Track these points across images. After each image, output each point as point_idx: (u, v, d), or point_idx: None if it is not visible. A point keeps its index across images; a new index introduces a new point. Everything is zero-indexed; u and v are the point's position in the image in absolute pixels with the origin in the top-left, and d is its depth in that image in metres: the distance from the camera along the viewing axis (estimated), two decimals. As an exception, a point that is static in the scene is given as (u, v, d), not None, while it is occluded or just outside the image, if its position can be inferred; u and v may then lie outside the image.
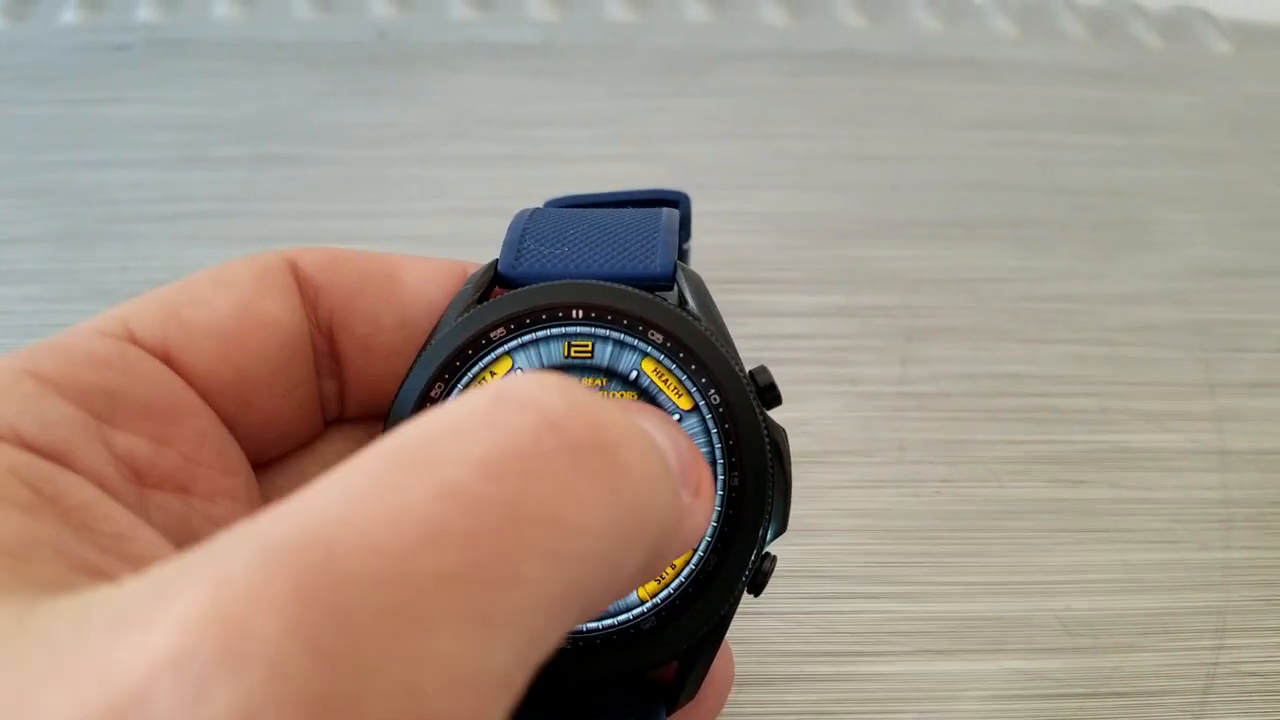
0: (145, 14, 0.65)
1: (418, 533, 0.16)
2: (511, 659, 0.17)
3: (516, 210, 0.35)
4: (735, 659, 0.35)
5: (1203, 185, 0.60)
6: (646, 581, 0.25)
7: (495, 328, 0.31)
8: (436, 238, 0.54)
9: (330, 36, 0.65)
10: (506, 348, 0.31)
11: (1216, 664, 0.42)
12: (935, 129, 0.62)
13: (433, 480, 0.17)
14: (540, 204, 0.41)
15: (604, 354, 0.31)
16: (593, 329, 0.31)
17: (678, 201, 0.45)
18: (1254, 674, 0.41)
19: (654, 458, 0.21)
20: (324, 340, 0.31)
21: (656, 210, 0.35)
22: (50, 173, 0.56)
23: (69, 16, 0.65)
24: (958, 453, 0.47)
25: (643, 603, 0.30)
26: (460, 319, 0.31)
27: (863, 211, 0.57)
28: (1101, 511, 0.46)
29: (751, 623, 0.41)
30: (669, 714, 0.31)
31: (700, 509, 0.24)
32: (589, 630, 0.30)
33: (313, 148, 0.58)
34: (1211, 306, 0.54)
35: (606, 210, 0.36)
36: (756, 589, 0.31)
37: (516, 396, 0.19)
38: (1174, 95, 0.66)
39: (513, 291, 0.31)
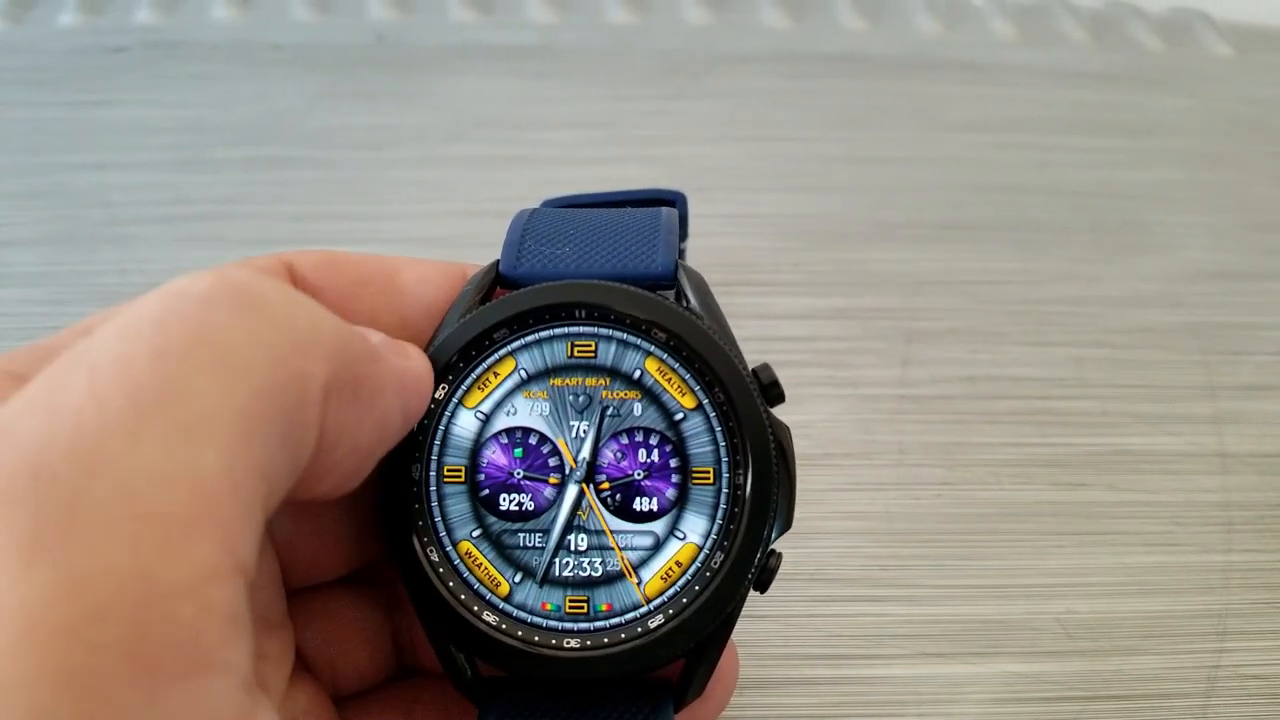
0: (143, 16, 0.65)
1: (83, 391, 0.20)
2: (220, 459, 0.20)
3: (515, 212, 0.35)
4: (734, 662, 0.35)
5: (1202, 188, 0.60)
6: (385, 409, 0.26)
7: (498, 328, 0.31)
8: (435, 239, 0.54)
9: (328, 39, 0.64)
10: (510, 348, 0.32)
11: (1218, 667, 0.42)
12: (934, 131, 0.62)
13: (85, 357, 0.21)
14: (538, 205, 0.41)
15: (607, 353, 0.32)
16: (596, 328, 0.32)
17: (674, 201, 0.45)
18: (1256, 676, 0.41)
19: (297, 300, 0.24)
20: None
21: (656, 210, 0.35)
22: (48, 175, 0.56)
23: (67, 19, 0.65)
24: (958, 455, 0.47)
25: (649, 601, 0.30)
26: (463, 320, 0.31)
27: (862, 214, 0.57)
28: (1101, 514, 0.46)
29: (751, 625, 0.41)
30: (676, 712, 0.31)
31: (411, 356, 0.29)
32: (597, 629, 0.30)
33: (310, 150, 0.58)
34: (1211, 309, 0.54)
35: (606, 210, 0.36)
36: (762, 586, 0.31)
37: (162, 290, 0.22)
38: (1173, 98, 0.65)
39: (515, 292, 0.32)
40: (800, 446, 0.33)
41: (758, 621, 0.42)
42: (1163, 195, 0.59)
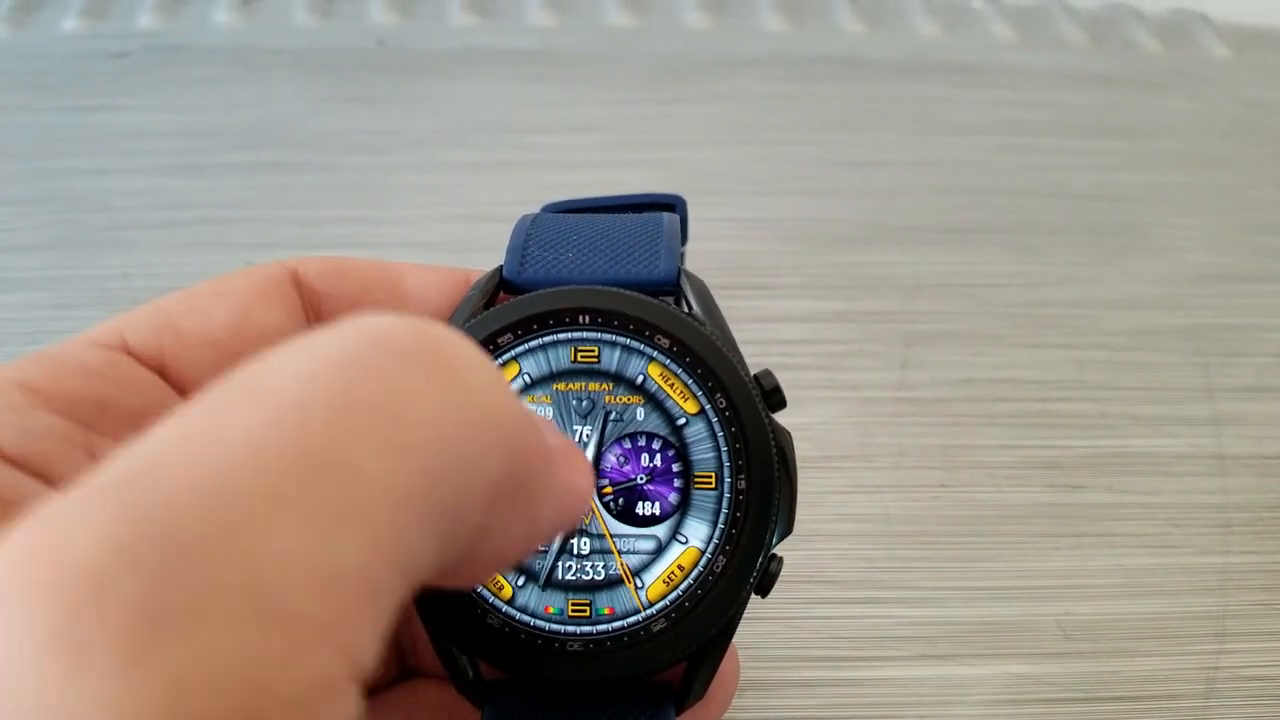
0: (145, 21, 0.65)
1: (241, 439, 0.16)
2: (366, 554, 0.17)
3: (516, 216, 0.35)
4: (734, 664, 0.35)
5: (1201, 190, 0.60)
6: (537, 518, 0.23)
7: (502, 334, 0.31)
8: (436, 244, 0.54)
9: (329, 44, 0.65)
10: (513, 353, 0.32)
11: (1217, 668, 0.42)
12: (933, 134, 0.62)
13: (257, 395, 0.17)
14: (539, 210, 0.41)
15: (610, 359, 0.32)
16: (599, 334, 0.32)
17: (674, 205, 0.45)
18: (1254, 678, 0.42)
19: (492, 372, 0.20)
20: None
21: (658, 215, 0.35)
22: (51, 180, 0.57)
23: (69, 24, 0.65)
24: (956, 458, 0.47)
25: (651, 605, 0.31)
26: (466, 325, 0.31)
27: (861, 217, 0.57)
28: (1100, 516, 0.46)
29: (750, 628, 0.41)
30: (678, 715, 0.31)
31: (580, 470, 0.24)
32: (599, 632, 0.30)
33: (311, 154, 0.58)
34: (1210, 311, 0.54)
35: (607, 215, 0.36)
36: (764, 590, 0.31)
37: (347, 323, 0.19)
38: (1172, 100, 0.66)
39: (519, 298, 0.32)
40: (800, 449, 0.33)
41: (757, 623, 0.42)
42: (1162, 197, 0.59)
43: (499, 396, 0.20)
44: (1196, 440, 0.49)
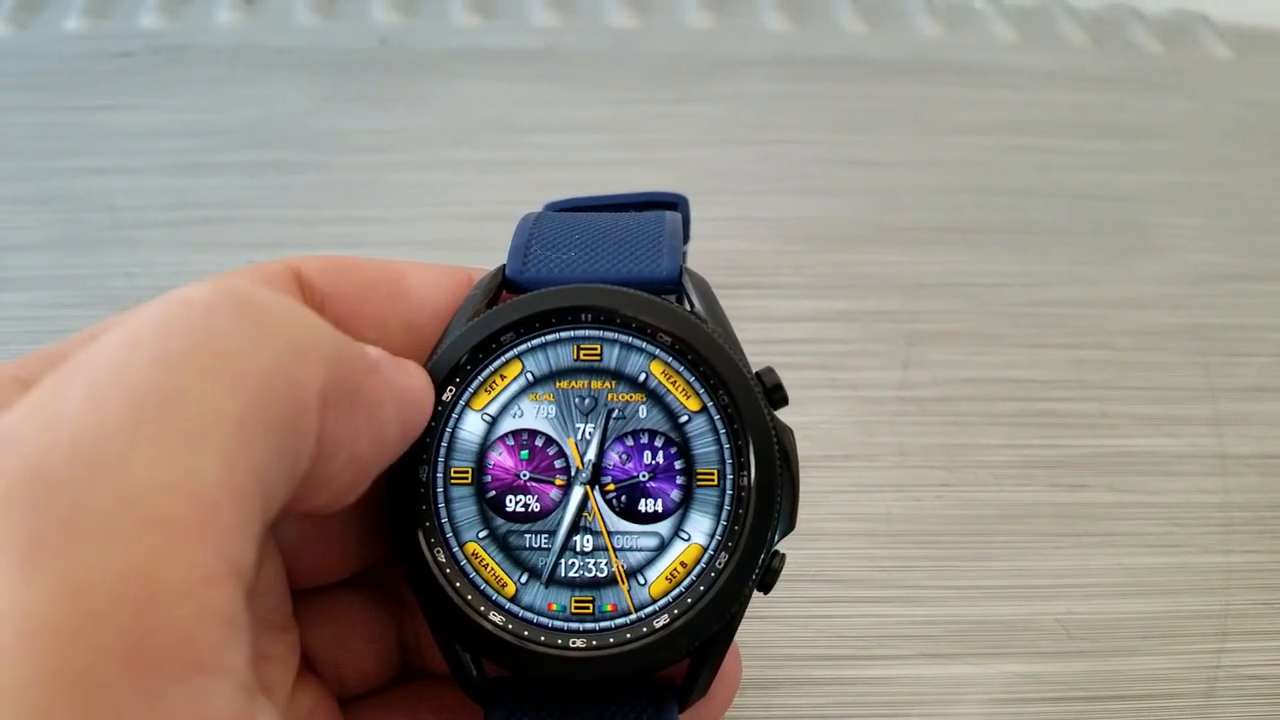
0: (148, 21, 0.65)
1: (82, 398, 0.20)
2: (219, 466, 0.20)
3: (519, 216, 0.35)
4: (736, 663, 0.35)
5: (1202, 190, 0.60)
6: (381, 422, 0.26)
7: (505, 331, 0.32)
8: (439, 243, 0.54)
9: (332, 43, 0.65)
10: (516, 350, 0.32)
11: (1218, 667, 0.42)
12: (935, 134, 0.62)
13: (88, 365, 0.21)
14: (541, 209, 0.41)
15: (612, 356, 0.32)
16: (601, 332, 0.32)
17: (676, 204, 0.45)
18: (1256, 677, 0.42)
19: (294, 305, 0.24)
20: None
21: (660, 214, 0.36)
22: (53, 179, 0.57)
23: (72, 24, 0.65)
24: (958, 457, 0.47)
25: (654, 601, 0.31)
26: (470, 323, 0.31)
27: (863, 217, 0.57)
28: (1102, 515, 0.46)
29: (753, 626, 0.41)
30: (681, 712, 0.31)
31: (413, 374, 0.29)
32: (603, 629, 0.30)
33: (314, 154, 0.58)
34: (1211, 311, 0.54)
35: (610, 214, 0.36)
36: (766, 587, 0.31)
37: (159, 297, 0.23)
38: (1174, 100, 0.66)
39: (522, 296, 0.32)
40: (802, 448, 0.33)
41: (759, 622, 0.42)
42: (1163, 197, 0.60)
43: (303, 323, 0.24)
44: (1198, 440, 0.49)
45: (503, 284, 0.33)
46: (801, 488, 0.32)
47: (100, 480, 0.19)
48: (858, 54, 0.67)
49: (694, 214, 0.47)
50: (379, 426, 0.26)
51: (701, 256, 0.51)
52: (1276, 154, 0.63)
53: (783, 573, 0.32)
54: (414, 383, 0.29)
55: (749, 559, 0.31)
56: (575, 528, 0.32)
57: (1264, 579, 0.44)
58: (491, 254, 0.34)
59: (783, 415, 0.33)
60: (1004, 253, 0.56)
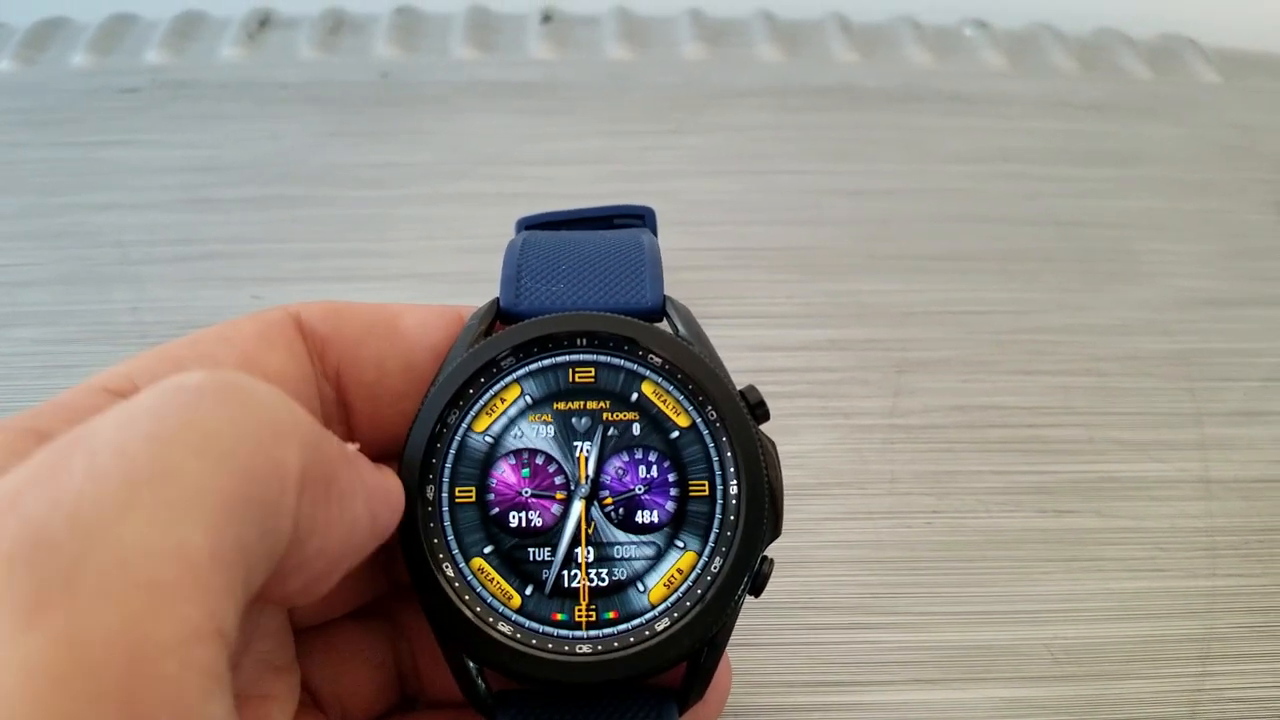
0: (153, 57, 0.67)
1: (83, 469, 0.21)
2: (205, 535, 0.22)
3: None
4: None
5: (1190, 216, 0.61)
6: (354, 515, 0.27)
7: (505, 356, 0.33)
8: (441, 275, 0.55)
9: (334, 77, 0.66)
10: (515, 375, 0.34)
11: (1201, 690, 0.43)
12: (926, 163, 0.63)
13: (87, 439, 0.22)
14: (516, 232, 0.43)
15: (606, 378, 0.34)
16: (595, 355, 0.34)
17: (644, 216, 0.47)
18: (1239, 699, 0.42)
19: (277, 394, 0.25)
20: (332, 389, 0.33)
21: (638, 240, 0.37)
22: (60, 215, 0.58)
23: (79, 59, 0.67)
24: (947, 484, 0.48)
25: (654, 607, 0.33)
26: (470, 351, 0.33)
27: (855, 245, 0.58)
28: (1088, 540, 0.47)
29: (744, 653, 0.42)
30: (681, 713, 0.33)
31: (388, 475, 0.30)
32: (606, 635, 0.32)
33: (318, 188, 0.60)
34: (1198, 336, 0.55)
35: (590, 235, 0.38)
36: (757, 590, 0.33)
37: (155, 385, 0.24)
38: (1162, 126, 0.67)
39: (520, 324, 0.34)
40: (793, 476, 0.34)
41: (751, 649, 0.43)
42: (1151, 223, 0.61)
43: (286, 410, 0.25)
44: (1184, 464, 0.50)
45: (497, 315, 0.35)
46: (793, 515, 0.34)
47: (97, 544, 0.21)
48: (849, 83, 0.68)
49: (688, 244, 0.49)
50: (351, 517, 0.27)
51: (695, 286, 0.53)
52: (1264, 178, 0.64)
53: (773, 599, 0.33)
54: (388, 482, 0.30)
55: (741, 564, 0.32)
56: (576, 540, 0.33)
57: (1247, 603, 0.45)
58: (493, 286, 0.36)
59: (775, 439, 0.34)
60: (993, 280, 0.57)
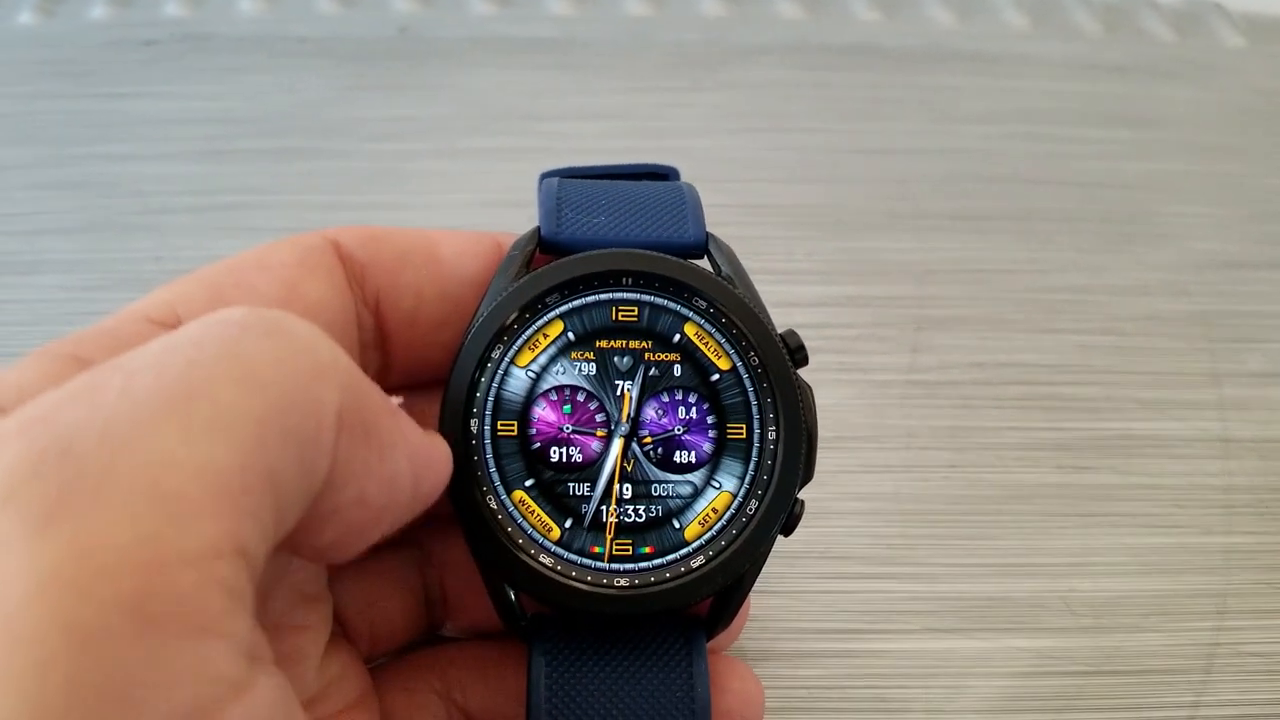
0: (172, 10, 0.67)
1: (119, 387, 0.22)
2: (235, 457, 0.22)
3: (534, 204, 0.36)
4: (746, 635, 0.37)
5: (1210, 179, 0.61)
6: (394, 466, 0.27)
7: (550, 293, 0.33)
8: (457, 229, 0.55)
9: (352, 32, 0.66)
10: (558, 311, 0.34)
11: (1217, 644, 0.43)
12: (946, 123, 0.63)
13: (124, 365, 0.23)
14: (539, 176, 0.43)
15: (650, 318, 0.34)
16: (639, 294, 0.34)
17: (668, 174, 0.47)
18: (1254, 654, 0.43)
19: (319, 333, 0.25)
20: (370, 316, 0.33)
21: (678, 184, 0.37)
22: (81, 165, 0.58)
23: (98, 12, 0.67)
24: (965, 439, 0.48)
25: (689, 544, 0.33)
26: (514, 285, 0.33)
27: (874, 204, 0.58)
28: (1105, 497, 0.47)
29: (762, 600, 0.43)
30: (709, 641, 0.33)
31: (436, 439, 0.30)
32: (642, 569, 0.33)
33: (335, 141, 0.60)
34: (1216, 298, 0.55)
35: (628, 182, 0.37)
36: (788, 530, 0.34)
37: (199, 318, 0.24)
38: (1185, 89, 0.66)
39: (564, 260, 0.34)
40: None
41: (769, 596, 0.43)
42: (1172, 186, 0.60)
43: (327, 350, 0.25)
44: (1201, 423, 0.50)
45: (538, 245, 0.35)
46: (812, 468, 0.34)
47: (124, 456, 0.21)
48: (870, 42, 0.67)
49: (706, 201, 0.48)
50: (390, 469, 0.26)
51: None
52: (1285, 143, 0.64)
53: (792, 549, 0.33)
54: (434, 447, 0.29)
55: (776, 506, 0.33)
56: (615, 477, 0.33)
57: (1263, 560, 0.45)
58: (509, 242, 0.35)
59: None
60: (1012, 239, 0.56)
